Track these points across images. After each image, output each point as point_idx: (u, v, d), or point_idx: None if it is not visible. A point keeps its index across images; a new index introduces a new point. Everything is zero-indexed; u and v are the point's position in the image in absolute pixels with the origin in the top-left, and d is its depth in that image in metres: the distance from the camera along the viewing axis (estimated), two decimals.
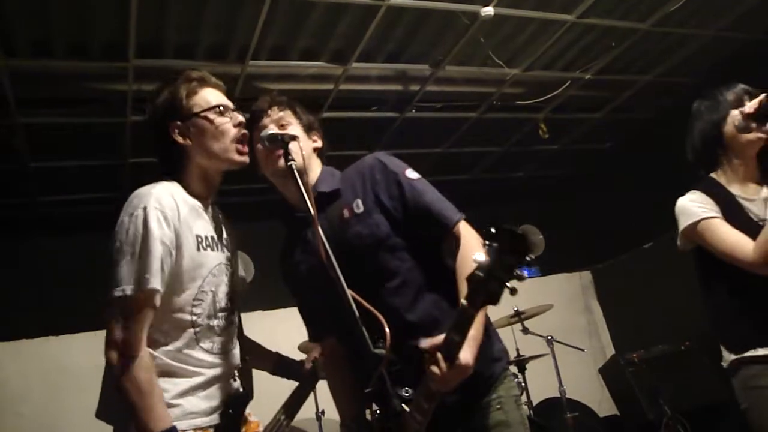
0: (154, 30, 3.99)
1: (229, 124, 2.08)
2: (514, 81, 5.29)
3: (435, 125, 5.78)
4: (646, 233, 6.54)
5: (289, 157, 2.04)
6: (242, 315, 2.36)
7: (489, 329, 2.12)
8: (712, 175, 2.57)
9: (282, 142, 2.08)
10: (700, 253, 2.55)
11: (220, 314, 2.05)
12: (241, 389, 2.16)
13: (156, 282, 1.84)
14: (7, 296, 5.22)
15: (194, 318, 1.97)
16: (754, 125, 2.43)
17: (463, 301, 1.63)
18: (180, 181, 2.06)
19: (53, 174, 5.27)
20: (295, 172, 2.01)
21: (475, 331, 1.80)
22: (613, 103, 6.03)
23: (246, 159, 2.12)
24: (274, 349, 3.09)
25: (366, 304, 1.84)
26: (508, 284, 1.54)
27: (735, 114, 2.47)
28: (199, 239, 2.00)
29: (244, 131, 2.11)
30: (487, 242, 1.53)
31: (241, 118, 2.11)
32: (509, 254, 1.51)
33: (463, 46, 4.67)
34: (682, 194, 2.63)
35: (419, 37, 4.58)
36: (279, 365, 2.83)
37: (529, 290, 7.24)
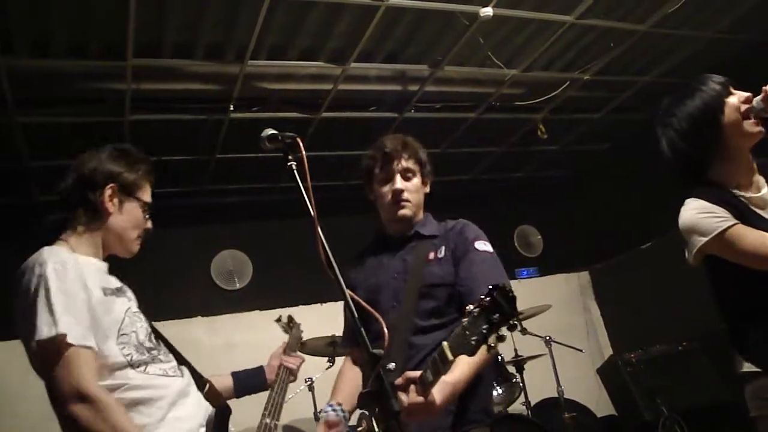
0: (152, 29, 3.99)
1: (145, 224, 2.25)
2: (513, 81, 5.30)
3: (434, 125, 5.78)
4: (645, 234, 6.55)
5: (290, 158, 2.04)
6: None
7: (485, 380, 2.29)
8: (708, 176, 2.38)
9: (282, 143, 2.07)
10: (713, 263, 2.36)
11: (150, 352, 2.08)
12: (212, 408, 2.19)
13: (68, 328, 1.85)
14: (4, 296, 5.22)
15: (128, 358, 1.99)
16: None
17: (444, 343, 1.72)
18: (75, 240, 2.12)
19: (51, 174, 5.25)
20: (295, 173, 2.01)
21: (456, 376, 1.98)
22: (612, 103, 6.04)
23: (134, 252, 2.26)
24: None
25: (367, 306, 1.89)
26: (488, 341, 1.56)
27: (733, 101, 2.27)
28: (103, 288, 2.04)
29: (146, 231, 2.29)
30: (481, 297, 1.58)
31: (149, 226, 2.28)
32: (496, 313, 1.55)
33: (462, 47, 4.67)
34: (680, 196, 2.49)
35: (418, 37, 4.58)
36: (238, 386, 2.57)
37: (527, 290, 7.30)
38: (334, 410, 2.35)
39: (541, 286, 7.09)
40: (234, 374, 2.56)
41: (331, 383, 5.16)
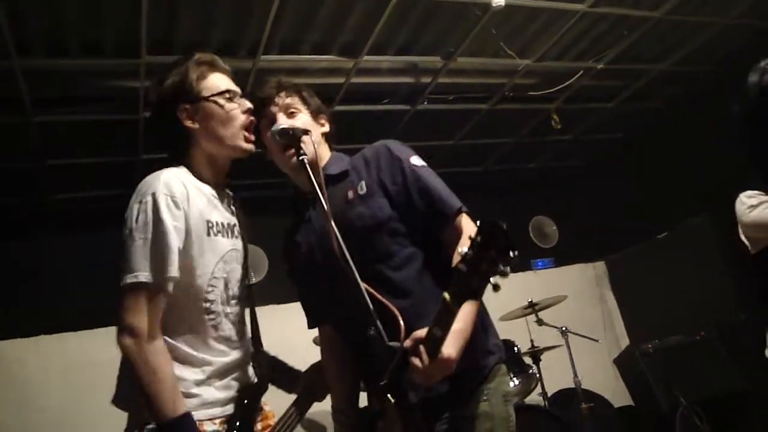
0: (165, 27, 4.01)
1: (238, 111, 2.08)
2: (526, 72, 5.27)
3: (447, 117, 5.77)
4: (660, 224, 6.52)
5: (301, 152, 2.05)
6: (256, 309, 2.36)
7: (484, 322, 2.14)
8: None
9: (294, 138, 2.08)
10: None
11: (233, 302, 2.06)
12: (256, 379, 2.15)
13: (169, 269, 1.85)
14: (28, 294, 5.29)
15: (208, 305, 1.97)
16: None
17: (445, 294, 1.60)
18: (188, 166, 2.05)
19: (67, 171, 5.32)
20: (308, 166, 2.02)
21: (461, 324, 1.80)
22: (626, 92, 6.00)
23: (252, 147, 2.13)
24: (288, 344, 3.04)
25: (380, 297, 1.86)
26: (491, 280, 1.47)
27: None
28: (210, 224, 1.99)
29: (252, 118, 2.13)
30: (472, 236, 1.47)
31: (249, 104, 2.12)
32: (493, 249, 1.44)
33: (474, 38, 4.65)
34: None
35: (430, 29, 4.57)
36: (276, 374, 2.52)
37: (543, 281, 7.30)
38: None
39: (557, 277, 7.07)
40: (276, 365, 2.54)
41: None
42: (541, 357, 5.20)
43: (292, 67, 4.69)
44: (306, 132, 2.09)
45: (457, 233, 2.01)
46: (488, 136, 6.35)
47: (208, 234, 1.98)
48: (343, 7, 4.14)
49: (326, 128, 2.38)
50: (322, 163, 2.24)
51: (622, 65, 5.47)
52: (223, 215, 2.08)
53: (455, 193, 2.13)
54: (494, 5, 4.25)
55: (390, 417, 1.86)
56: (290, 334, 5.78)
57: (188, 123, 2.04)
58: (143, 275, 1.82)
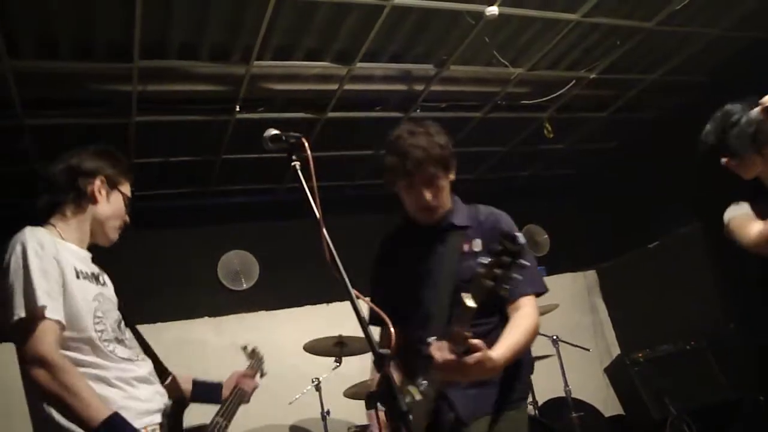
0: (158, 31, 3.99)
1: (125, 216, 2.47)
2: (519, 80, 5.29)
3: (440, 125, 5.75)
4: (652, 232, 6.54)
5: (294, 158, 2.04)
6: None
7: (525, 365, 2.49)
8: None
9: (287, 143, 2.07)
10: None
11: (121, 333, 2.29)
12: (173, 401, 2.37)
13: (45, 302, 2.04)
14: None
15: (99, 334, 2.17)
16: None
17: (463, 294, 1.84)
18: (56, 227, 2.31)
19: None
20: (299, 173, 2.01)
21: (495, 350, 2.09)
22: (618, 102, 6.02)
23: (113, 240, 2.46)
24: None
25: (373, 306, 1.95)
26: (505, 285, 1.76)
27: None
28: (77, 270, 2.21)
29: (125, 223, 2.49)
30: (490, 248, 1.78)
31: (127, 218, 2.49)
32: (503, 255, 1.77)
33: (467, 46, 4.66)
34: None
35: (424, 36, 4.57)
36: (195, 392, 2.68)
37: None
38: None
39: (548, 285, 7.04)
40: (195, 381, 2.68)
41: (338, 383, 5.19)
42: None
43: (285, 73, 4.69)
44: (299, 138, 2.07)
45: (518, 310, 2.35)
46: (481, 145, 6.36)
47: (77, 277, 2.20)
48: (338, 13, 4.14)
49: (453, 176, 2.58)
50: (445, 209, 2.50)
51: (615, 75, 5.49)
52: (86, 267, 2.30)
53: None
54: (488, 14, 4.26)
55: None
56: (280, 340, 5.79)
57: (97, 194, 2.36)
58: (23, 312, 2.02)
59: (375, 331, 2.74)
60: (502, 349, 2.08)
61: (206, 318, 5.95)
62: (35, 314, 2.01)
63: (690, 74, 5.62)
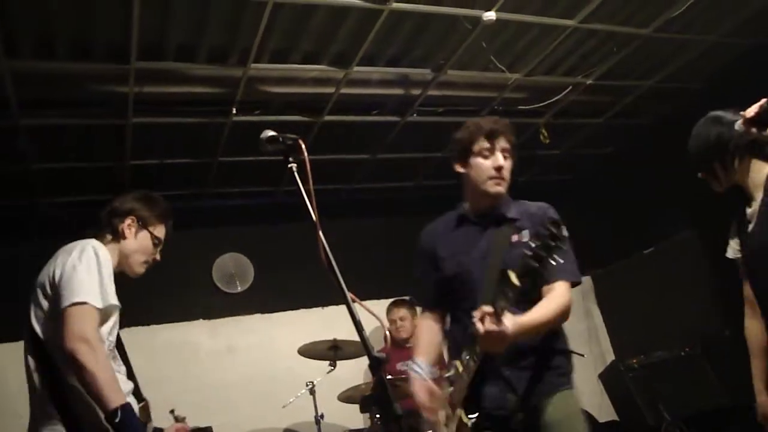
0: (156, 32, 3.99)
1: (154, 254, 2.80)
2: (516, 86, 5.30)
3: (436, 129, 5.77)
4: (647, 239, 6.54)
5: (290, 159, 2.05)
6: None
7: (561, 345, 2.67)
8: None
9: (284, 144, 2.07)
10: None
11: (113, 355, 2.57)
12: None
13: (110, 299, 2.44)
14: (6, 299, 5.22)
15: (108, 343, 2.49)
16: (754, 130, 2.43)
17: (509, 270, 2.06)
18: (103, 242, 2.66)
19: (55, 175, 5.28)
20: (296, 175, 2.02)
21: (530, 316, 2.33)
22: (615, 108, 6.03)
23: (139, 274, 2.80)
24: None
25: (366, 307, 1.95)
26: (551, 260, 2.03)
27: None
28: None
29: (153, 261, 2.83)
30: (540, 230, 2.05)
31: (158, 258, 2.84)
32: (551, 239, 2.02)
33: (464, 51, 4.67)
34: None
35: (421, 41, 4.58)
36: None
37: None
38: (416, 371, 2.66)
39: None
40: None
41: (333, 387, 5.18)
42: None
43: (282, 76, 4.69)
44: (296, 139, 2.08)
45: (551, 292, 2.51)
46: None
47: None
48: (335, 17, 4.15)
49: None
50: (504, 192, 2.71)
51: (611, 81, 5.50)
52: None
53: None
54: (485, 19, 4.27)
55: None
56: (275, 343, 5.79)
57: (126, 231, 2.72)
58: (91, 299, 2.38)
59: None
60: (512, 321, 2.18)
61: (201, 320, 5.93)
62: (95, 304, 2.35)
63: (686, 81, 5.64)
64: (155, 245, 2.78)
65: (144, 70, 4.25)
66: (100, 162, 5.26)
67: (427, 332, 2.85)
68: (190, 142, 5.28)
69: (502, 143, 2.71)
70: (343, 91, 4.92)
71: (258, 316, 6.05)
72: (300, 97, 4.96)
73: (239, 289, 6.23)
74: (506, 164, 2.69)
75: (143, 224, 2.74)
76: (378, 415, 4.58)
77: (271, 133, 2.11)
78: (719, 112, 2.68)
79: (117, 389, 2.27)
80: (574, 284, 2.58)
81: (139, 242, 2.73)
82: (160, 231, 2.79)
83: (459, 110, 5.60)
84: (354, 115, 5.35)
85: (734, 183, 2.69)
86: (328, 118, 5.20)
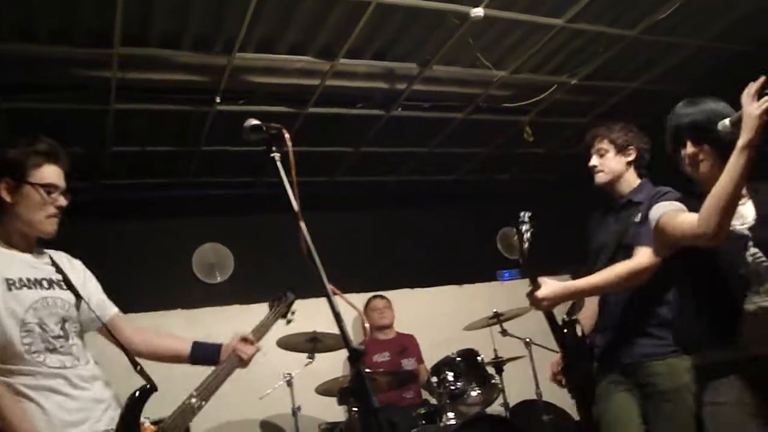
0: (140, 18, 3.95)
1: (51, 204, 2.33)
2: (501, 83, 5.30)
3: (421, 124, 5.77)
4: None
5: (273, 149, 2.02)
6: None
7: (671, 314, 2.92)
8: None
9: (267, 134, 2.05)
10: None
11: (56, 340, 2.28)
12: (134, 392, 2.32)
13: None
14: None
15: (26, 347, 2.20)
16: None
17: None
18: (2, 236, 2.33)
19: None
20: (278, 165, 1.99)
21: (573, 283, 3.29)
22: (599, 108, 6.05)
23: (53, 231, 2.36)
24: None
25: (347, 299, 1.89)
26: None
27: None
28: (9, 281, 2.24)
29: (58, 209, 2.37)
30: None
31: (63, 202, 2.37)
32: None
33: (451, 47, 4.66)
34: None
35: (408, 35, 4.57)
36: (194, 354, 2.78)
37: (509, 292, 7.28)
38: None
39: (523, 288, 7.06)
40: (194, 343, 2.76)
41: (310, 380, 5.16)
42: (504, 367, 5.20)
43: (267, 66, 4.66)
44: (279, 128, 2.05)
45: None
46: (461, 146, 6.37)
47: (9, 290, 2.23)
48: (322, 8, 4.12)
49: (632, 156, 3.24)
50: (627, 184, 3.22)
51: (597, 81, 5.53)
52: (28, 272, 2.32)
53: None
54: (473, 16, 4.27)
55: None
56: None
57: (6, 197, 2.28)
58: None
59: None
60: (547, 287, 3.34)
61: (179, 310, 5.89)
62: None
63: (671, 84, 5.67)
64: (49, 193, 2.32)
65: (127, 56, 4.20)
66: (81, 148, 5.20)
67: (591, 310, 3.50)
68: (172, 130, 5.24)
69: (594, 147, 3.40)
70: (329, 83, 4.90)
71: (237, 306, 6.02)
72: (285, 88, 4.93)
73: (219, 279, 6.20)
74: (601, 160, 3.34)
75: (19, 178, 2.28)
76: (355, 408, 4.57)
77: (255, 121, 2.08)
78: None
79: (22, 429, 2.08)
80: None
81: (27, 200, 2.29)
82: (44, 175, 2.32)
83: (444, 106, 5.60)
84: (339, 107, 5.33)
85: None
86: (312, 109, 5.18)
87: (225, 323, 5.84)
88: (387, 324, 5.89)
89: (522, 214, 3.75)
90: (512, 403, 5.31)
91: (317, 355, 4.95)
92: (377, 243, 6.79)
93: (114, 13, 3.75)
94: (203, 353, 2.74)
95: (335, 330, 1.79)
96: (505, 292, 6.84)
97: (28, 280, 2.29)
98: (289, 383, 5.02)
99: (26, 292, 2.26)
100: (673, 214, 2.41)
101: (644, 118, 6.21)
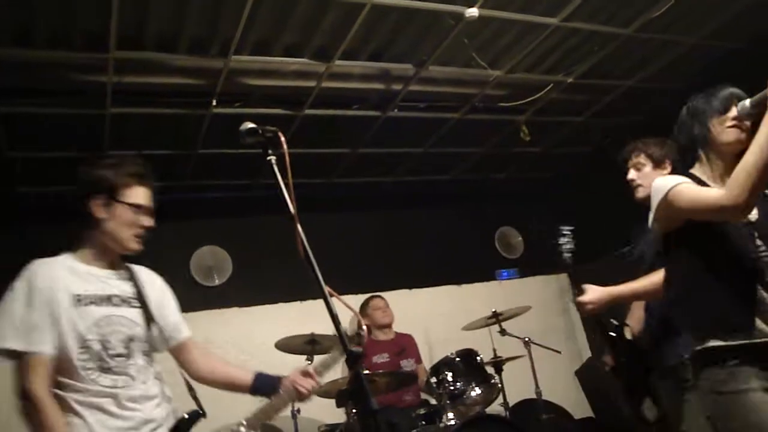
0: (136, 22, 3.95)
1: (140, 222, 2.49)
2: (497, 83, 5.31)
3: (417, 125, 5.77)
4: (625, 237, 6.58)
5: (270, 152, 2.03)
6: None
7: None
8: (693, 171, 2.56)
9: (263, 137, 2.05)
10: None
11: (116, 359, 2.35)
12: (182, 416, 2.54)
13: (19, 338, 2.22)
14: None
15: (81, 363, 2.27)
16: None
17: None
18: (77, 253, 2.46)
19: (31, 164, 5.21)
20: (275, 168, 2.00)
21: (618, 287, 3.49)
22: (595, 107, 6.06)
23: (137, 249, 2.54)
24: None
25: (345, 302, 1.90)
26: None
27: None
28: (77, 297, 2.32)
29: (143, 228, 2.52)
30: None
31: (150, 222, 2.53)
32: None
33: (446, 47, 4.67)
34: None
35: (403, 36, 4.57)
36: (255, 385, 2.79)
37: (507, 292, 7.29)
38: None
39: (521, 288, 7.11)
40: (257, 374, 2.78)
41: None
42: (504, 367, 5.21)
43: (263, 68, 4.65)
44: (275, 131, 2.05)
45: None
46: (457, 146, 6.38)
47: (75, 306, 2.31)
48: (317, 10, 4.12)
49: (668, 170, 3.32)
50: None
51: (592, 80, 5.54)
52: (96, 288, 2.41)
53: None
54: (467, 16, 4.27)
55: None
56: (252, 337, 5.75)
57: (98, 212, 2.42)
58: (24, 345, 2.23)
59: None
60: (593, 293, 3.65)
61: None
62: (14, 349, 2.21)
63: (666, 81, 5.68)
64: (136, 213, 2.47)
65: (123, 60, 4.20)
66: (77, 152, 5.19)
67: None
68: (168, 134, 5.24)
69: (631, 162, 3.59)
70: (325, 84, 4.90)
71: (236, 309, 6.02)
72: (281, 90, 4.93)
73: (217, 282, 6.19)
74: (638, 173, 3.52)
75: (111, 197, 2.43)
76: (354, 410, 4.57)
77: (251, 125, 2.09)
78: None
79: None
80: None
81: (119, 218, 2.44)
82: (135, 196, 2.49)
83: (440, 106, 5.61)
84: (335, 109, 5.33)
85: None
86: (308, 111, 5.18)
87: (223, 326, 5.86)
88: (389, 322, 5.91)
89: (562, 228, 4.00)
90: (512, 402, 5.31)
91: (316, 357, 4.95)
92: (375, 244, 6.80)
93: (109, 17, 3.74)
94: (264, 384, 2.76)
95: (334, 332, 1.79)
96: (503, 292, 6.87)
97: (97, 296, 2.38)
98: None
99: (92, 308, 2.34)
100: (686, 186, 2.38)
101: (639, 115, 6.27)
